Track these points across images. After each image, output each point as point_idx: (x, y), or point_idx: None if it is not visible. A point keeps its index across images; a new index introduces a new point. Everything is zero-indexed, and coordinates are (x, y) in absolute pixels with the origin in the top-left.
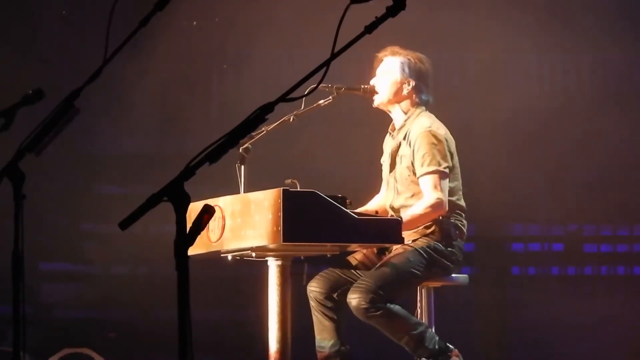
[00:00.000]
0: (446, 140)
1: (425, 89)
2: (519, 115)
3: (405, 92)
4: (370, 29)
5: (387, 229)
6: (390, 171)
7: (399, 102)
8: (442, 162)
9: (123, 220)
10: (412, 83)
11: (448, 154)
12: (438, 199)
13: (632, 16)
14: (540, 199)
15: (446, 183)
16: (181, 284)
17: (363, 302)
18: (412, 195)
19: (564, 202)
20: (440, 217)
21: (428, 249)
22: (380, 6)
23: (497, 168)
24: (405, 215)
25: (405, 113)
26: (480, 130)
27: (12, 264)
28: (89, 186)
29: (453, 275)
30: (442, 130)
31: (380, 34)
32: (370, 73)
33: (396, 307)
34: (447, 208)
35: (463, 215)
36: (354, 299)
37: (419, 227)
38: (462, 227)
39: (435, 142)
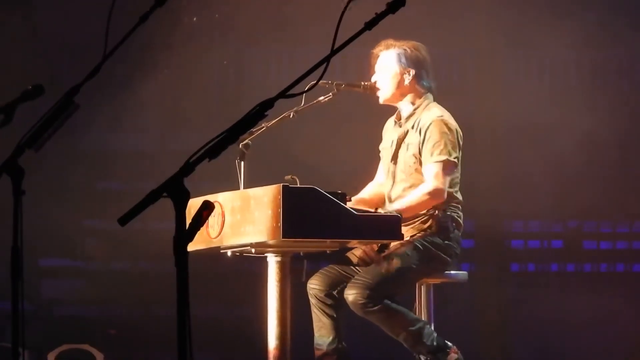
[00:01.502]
0: (457, 131)
1: (426, 76)
2: (519, 112)
3: (407, 82)
4: (370, 25)
5: (386, 225)
6: (392, 159)
7: (404, 94)
8: (452, 152)
9: (122, 216)
10: (412, 72)
11: (457, 145)
12: (437, 187)
13: (632, 13)
14: (540, 196)
15: (451, 174)
16: (180, 280)
17: (360, 298)
18: (411, 186)
19: (563, 198)
20: (436, 211)
21: (426, 243)
22: (380, 2)
23: (497, 165)
24: (402, 202)
25: (413, 104)
26: (481, 126)
27: (11, 260)
28: (90, 182)
29: (452, 272)
30: (452, 121)
31: (381, 29)
32: (370, 70)
33: (394, 303)
34: (445, 198)
35: (459, 207)
36: (351, 294)
37: (416, 214)
38: (459, 219)
39: (447, 131)
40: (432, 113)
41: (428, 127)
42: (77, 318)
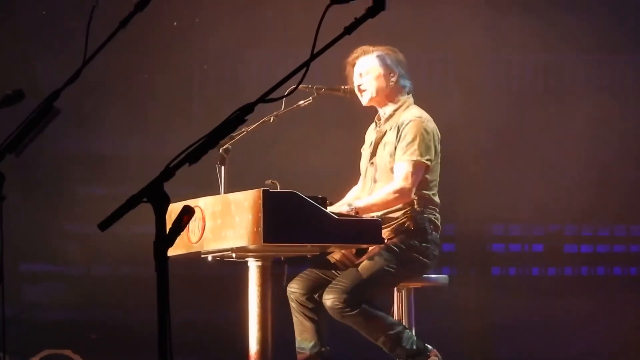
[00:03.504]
0: (434, 134)
1: (406, 76)
2: (500, 115)
3: (391, 83)
4: (349, 29)
5: (367, 229)
6: (371, 159)
7: (388, 97)
8: (424, 153)
9: (102, 222)
10: (396, 73)
11: (433, 147)
12: (404, 187)
13: (616, 16)
14: (520, 200)
15: (420, 176)
16: (161, 285)
17: (337, 302)
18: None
19: (544, 202)
20: (413, 214)
21: (402, 246)
22: (360, 7)
23: (477, 168)
24: (368, 199)
25: (394, 105)
26: (461, 129)
27: None
28: (71, 187)
29: (433, 275)
30: (431, 123)
31: (361, 34)
32: (345, 79)
33: (371, 307)
34: (411, 198)
35: (437, 209)
36: (328, 299)
37: (380, 211)
38: (436, 221)
39: (424, 132)
40: (411, 113)
41: (405, 127)
42: (59, 323)
